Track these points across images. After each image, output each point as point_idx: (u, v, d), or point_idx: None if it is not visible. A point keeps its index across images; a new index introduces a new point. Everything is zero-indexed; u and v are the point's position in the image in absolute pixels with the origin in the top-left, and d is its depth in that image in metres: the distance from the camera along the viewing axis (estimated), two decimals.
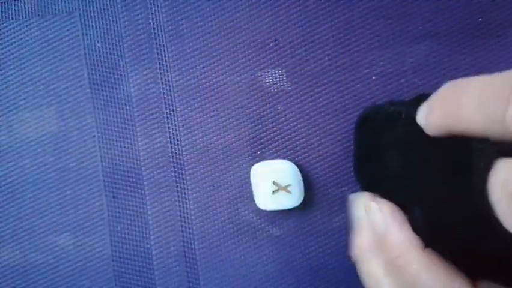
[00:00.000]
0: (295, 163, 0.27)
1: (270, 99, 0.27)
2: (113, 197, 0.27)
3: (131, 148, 0.27)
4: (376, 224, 0.21)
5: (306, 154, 0.27)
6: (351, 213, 0.23)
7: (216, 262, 0.27)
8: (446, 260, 0.19)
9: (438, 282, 0.18)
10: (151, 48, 0.28)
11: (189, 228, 0.27)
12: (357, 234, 0.22)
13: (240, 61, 0.27)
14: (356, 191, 0.27)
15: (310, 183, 0.27)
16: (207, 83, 0.27)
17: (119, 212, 0.27)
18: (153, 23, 0.28)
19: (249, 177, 0.27)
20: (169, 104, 0.28)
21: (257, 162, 0.27)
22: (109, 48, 0.28)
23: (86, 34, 0.28)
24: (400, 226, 0.20)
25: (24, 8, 0.28)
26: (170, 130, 0.27)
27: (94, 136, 0.27)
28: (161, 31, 0.28)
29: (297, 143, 0.27)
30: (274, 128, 0.27)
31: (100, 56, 0.28)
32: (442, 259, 0.19)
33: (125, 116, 0.28)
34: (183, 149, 0.27)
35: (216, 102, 0.27)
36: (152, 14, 0.28)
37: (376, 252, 0.21)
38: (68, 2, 0.28)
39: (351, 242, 0.22)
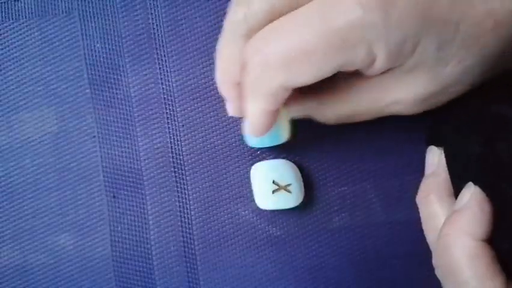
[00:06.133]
0: (295, 163, 0.27)
1: None
2: (113, 197, 0.27)
3: (131, 148, 0.27)
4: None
5: (306, 154, 0.27)
6: (426, 161, 0.24)
7: (216, 262, 0.27)
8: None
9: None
10: (151, 48, 0.28)
11: (189, 228, 0.27)
12: (426, 179, 0.24)
13: None
14: (355, 191, 0.27)
15: (310, 183, 0.27)
16: (207, 83, 0.27)
17: (119, 212, 0.27)
18: (153, 23, 0.28)
19: (249, 177, 0.27)
20: (169, 104, 0.28)
21: (257, 162, 0.27)
22: (109, 49, 0.28)
23: (86, 34, 0.28)
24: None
25: (24, 8, 0.28)
26: (170, 130, 0.27)
27: (94, 136, 0.27)
28: (161, 31, 0.28)
29: (297, 143, 0.27)
30: None
31: (99, 56, 0.28)
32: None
33: (125, 116, 0.28)
34: (183, 149, 0.27)
35: (216, 102, 0.27)
36: (152, 14, 0.28)
37: (441, 196, 0.22)
38: (68, 2, 0.28)
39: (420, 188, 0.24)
